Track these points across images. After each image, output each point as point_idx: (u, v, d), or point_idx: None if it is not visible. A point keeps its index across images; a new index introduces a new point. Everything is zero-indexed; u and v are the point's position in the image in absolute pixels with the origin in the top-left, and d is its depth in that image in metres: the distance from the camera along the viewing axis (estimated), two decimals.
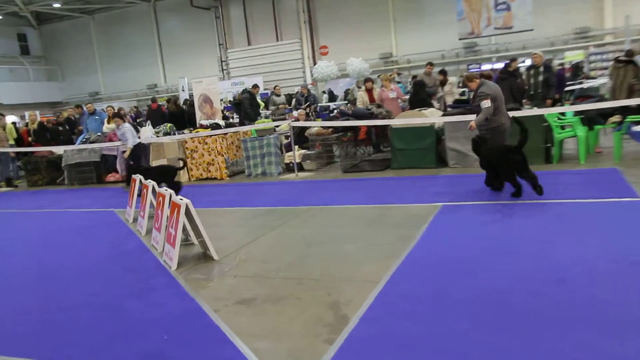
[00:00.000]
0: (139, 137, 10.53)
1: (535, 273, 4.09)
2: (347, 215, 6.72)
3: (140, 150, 10.28)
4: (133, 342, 3.65)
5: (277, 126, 11.38)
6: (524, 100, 10.08)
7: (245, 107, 13.19)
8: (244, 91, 14.17)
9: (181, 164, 9.18)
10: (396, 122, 9.32)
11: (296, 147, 10.32)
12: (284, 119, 12.52)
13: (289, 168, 10.48)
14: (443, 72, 12.67)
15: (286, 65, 27.12)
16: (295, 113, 13.17)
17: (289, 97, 17.23)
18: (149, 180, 6.77)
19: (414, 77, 14.77)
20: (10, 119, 16.56)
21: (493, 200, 6.52)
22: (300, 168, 10.28)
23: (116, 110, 12.97)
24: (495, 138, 7.04)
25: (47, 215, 8.99)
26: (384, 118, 9.84)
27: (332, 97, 21.31)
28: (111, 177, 11.89)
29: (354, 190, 8.24)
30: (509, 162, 6.38)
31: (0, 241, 7.37)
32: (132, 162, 9.84)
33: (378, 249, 5.13)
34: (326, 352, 3.21)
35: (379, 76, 14.89)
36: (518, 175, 6.34)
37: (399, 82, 16.03)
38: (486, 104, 7.01)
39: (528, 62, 16.16)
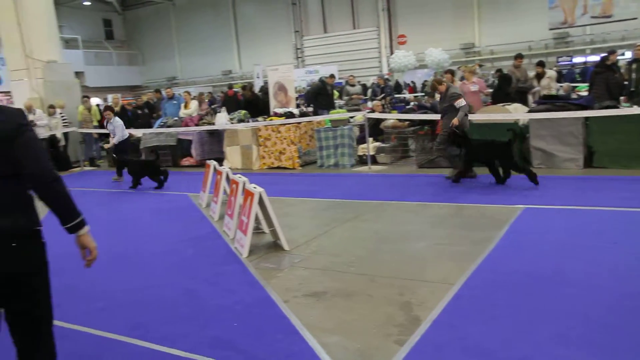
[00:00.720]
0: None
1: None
2: (421, 213, 6.62)
3: (127, 145, 11.02)
4: (205, 326, 3.79)
5: (351, 117, 11.38)
6: (621, 98, 9.48)
7: (318, 96, 13.27)
8: (320, 80, 14.25)
9: (154, 156, 9.91)
10: (476, 117, 9.04)
11: (370, 139, 10.27)
12: (358, 110, 12.48)
13: (362, 160, 10.46)
14: (541, 64, 11.99)
15: (362, 54, 27.01)
16: (370, 104, 13.10)
17: (364, 87, 17.15)
18: (223, 167, 6.99)
19: (498, 70, 14.22)
20: (94, 101, 17.61)
21: (581, 205, 6.21)
22: (374, 161, 10.23)
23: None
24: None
25: (125, 195, 9.49)
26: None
27: (398, 88, 21.03)
28: (186, 161, 12.37)
29: (429, 186, 8.10)
30: (511, 153, 7.43)
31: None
32: (115, 155, 10.81)
33: (453, 250, 5.02)
34: (396, 353, 3.18)
35: (459, 68, 14.52)
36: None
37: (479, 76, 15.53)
38: (462, 102, 7.95)
39: (628, 55, 15.13)
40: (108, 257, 5.66)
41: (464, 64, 20.55)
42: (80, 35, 28.04)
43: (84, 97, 14.97)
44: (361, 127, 10.92)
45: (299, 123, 11.05)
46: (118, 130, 10.65)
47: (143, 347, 3.52)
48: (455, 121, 7.82)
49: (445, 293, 3.97)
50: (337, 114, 11.28)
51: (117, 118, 10.95)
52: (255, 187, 5.20)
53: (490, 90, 11.84)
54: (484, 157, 7.70)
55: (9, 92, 19.24)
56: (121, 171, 10.51)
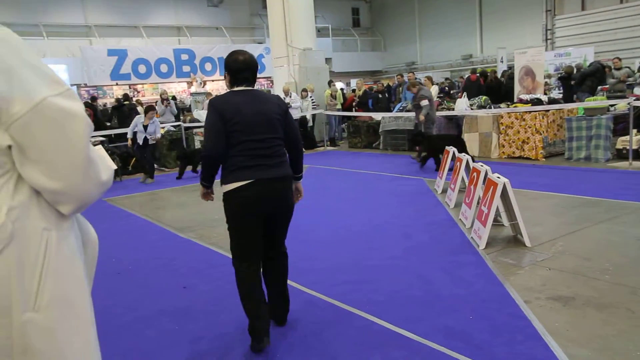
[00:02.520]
0: None
1: None
2: None
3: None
4: (439, 314, 3.74)
5: (612, 105, 10.03)
6: None
7: (587, 78, 12.00)
8: (598, 62, 12.86)
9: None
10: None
11: (634, 130, 8.93)
12: (622, 97, 10.93)
13: (620, 155, 9.18)
14: None
15: (627, 33, 23.49)
16: (638, 90, 11.36)
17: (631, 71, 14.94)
18: (463, 154, 6.81)
19: None
20: (338, 85, 18.87)
21: None
22: (637, 156, 8.88)
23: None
24: (428, 128, 10.31)
25: (364, 176, 9.96)
26: None
27: None
28: None
29: None
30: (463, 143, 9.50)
31: (328, 195, 8.49)
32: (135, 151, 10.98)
33: None
34: None
35: None
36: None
37: None
38: (425, 102, 10.16)
39: None
40: (349, 233, 6.05)
41: None
42: (330, 24, 30.18)
43: (330, 81, 16.10)
44: (622, 116, 9.56)
45: (547, 111, 10.16)
46: (158, 130, 10.86)
47: (377, 324, 3.64)
48: (421, 117, 10.17)
49: None
50: (595, 102, 10.05)
51: (156, 119, 10.97)
52: (499, 177, 4.93)
53: None
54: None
55: (269, 77, 21.77)
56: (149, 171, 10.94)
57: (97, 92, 19.64)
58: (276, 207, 3.45)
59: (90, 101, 14.74)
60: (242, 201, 3.27)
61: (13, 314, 1.35)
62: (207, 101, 11.43)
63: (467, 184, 6.41)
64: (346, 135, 15.52)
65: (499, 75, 15.32)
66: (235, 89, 3.38)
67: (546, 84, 14.43)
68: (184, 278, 4.90)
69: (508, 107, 10.94)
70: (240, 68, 3.34)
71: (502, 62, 18.79)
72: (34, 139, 1.32)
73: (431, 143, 9.63)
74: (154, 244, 6.22)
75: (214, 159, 3.32)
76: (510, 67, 15.01)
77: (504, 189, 4.91)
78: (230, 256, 3.48)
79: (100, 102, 17.61)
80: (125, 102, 14.11)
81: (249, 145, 3.26)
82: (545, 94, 11.86)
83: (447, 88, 16.78)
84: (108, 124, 14.34)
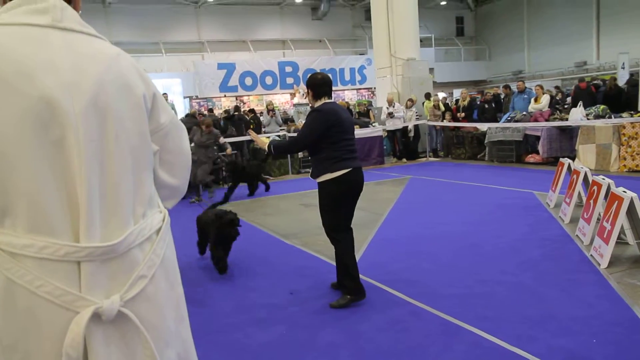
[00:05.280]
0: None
1: None
2: None
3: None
4: (555, 334, 3.52)
5: None
6: None
7: None
8: None
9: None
10: None
11: None
12: None
13: None
14: None
15: None
16: None
17: None
18: (581, 166, 6.39)
19: None
20: (440, 95, 18.49)
21: None
22: None
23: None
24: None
25: (469, 188, 9.65)
26: None
27: None
28: (531, 157, 11.85)
29: None
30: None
31: (434, 208, 8.33)
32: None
33: None
34: None
35: None
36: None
37: None
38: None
39: None
40: (456, 247, 5.87)
41: None
42: (433, 34, 29.73)
43: (427, 94, 15.74)
44: None
45: None
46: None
47: (488, 340, 3.50)
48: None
49: None
50: None
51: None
52: (625, 192, 4.57)
53: None
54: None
55: (370, 87, 21.83)
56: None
57: (207, 103, 20.80)
58: (360, 189, 4.33)
59: (207, 112, 15.58)
60: (349, 184, 4.20)
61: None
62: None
63: (585, 198, 6.00)
64: (446, 146, 15.13)
65: (620, 83, 14.22)
66: (324, 100, 4.28)
67: None
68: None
69: (632, 116, 10.12)
70: (320, 84, 4.29)
71: (623, 68, 17.47)
72: (168, 144, 1.61)
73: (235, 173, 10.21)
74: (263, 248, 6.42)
75: (301, 148, 4.66)
76: (633, 74, 13.90)
77: (631, 203, 4.53)
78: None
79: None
80: (236, 113, 14.79)
81: (347, 143, 4.24)
82: None
83: (557, 97, 15.84)
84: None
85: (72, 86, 1.34)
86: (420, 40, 17.18)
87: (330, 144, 4.15)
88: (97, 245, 1.35)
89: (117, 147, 1.41)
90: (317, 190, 4.32)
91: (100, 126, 1.38)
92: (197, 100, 20.87)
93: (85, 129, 1.34)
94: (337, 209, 4.27)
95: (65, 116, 1.32)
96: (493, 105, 14.23)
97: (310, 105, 4.48)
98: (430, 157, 14.94)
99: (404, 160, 14.48)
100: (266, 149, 4.42)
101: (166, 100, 10.21)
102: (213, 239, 5.35)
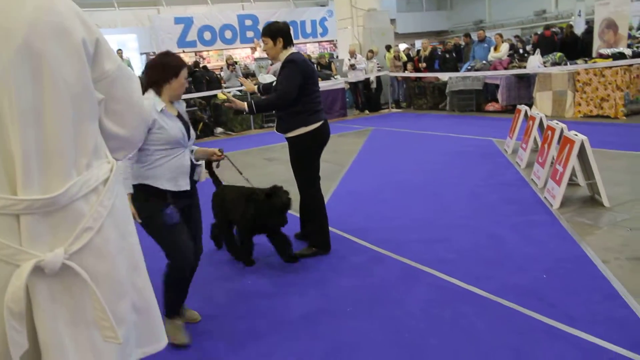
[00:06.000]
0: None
1: None
2: None
3: None
4: (510, 272, 3.70)
5: None
6: None
7: None
8: None
9: None
10: None
11: None
12: None
13: None
14: None
15: None
16: None
17: None
18: (536, 112, 6.54)
19: None
20: (402, 46, 18.41)
21: None
22: None
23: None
24: None
25: (430, 137, 9.78)
26: None
27: None
28: (491, 106, 12.02)
29: None
30: None
31: (395, 157, 8.43)
32: None
33: None
34: None
35: None
36: None
37: None
38: None
39: None
40: (417, 194, 6.00)
41: None
42: None
43: (388, 46, 15.65)
44: None
45: (630, 65, 9.53)
46: None
47: (447, 282, 3.64)
48: None
49: None
50: None
51: None
52: (576, 135, 4.72)
53: None
54: None
55: (331, 40, 21.57)
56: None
57: None
58: (327, 141, 4.27)
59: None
60: (323, 137, 4.17)
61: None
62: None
63: (540, 143, 6.18)
64: (409, 96, 15.20)
65: (577, 30, 14.42)
66: (291, 50, 4.10)
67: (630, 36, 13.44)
68: None
69: (586, 62, 10.34)
70: (288, 30, 4.12)
71: (579, 15, 17.70)
72: (115, 93, 1.53)
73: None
74: None
75: (287, 103, 4.01)
76: (589, 21, 14.10)
77: (582, 147, 4.70)
78: None
79: None
80: (196, 69, 14.46)
81: (317, 95, 4.16)
82: (628, 47, 11.07)
83: (518, 46, 15.99)
84: None
85: (0, 31, 1.27)
86: None
87: (304, 96, 4.01)
88: (36, 198, 1.31)
89: (54, 95, 1.34)
90: (282, 144, 4.15)
91: (35, 73, 1.31)
92: (154, 56, 20.24)
93: (15, 76, 1.28)
94: (313, 163, 4.22)
95: None
96: (454, 54, 14.29)
97: (271, 57, 4.26)
98: (392, 108, 15.00)
99: (367, 112, 14.50)
100: (246, 108, 4.01)
101: (121, 57, 9.87)
102: (249, 225, 4.10)
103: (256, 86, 4.53)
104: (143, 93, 2.51)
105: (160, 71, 2.95)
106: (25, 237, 1.31)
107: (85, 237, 1.39)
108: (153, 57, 3.14)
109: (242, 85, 14.23)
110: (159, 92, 2.95)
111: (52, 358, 1.34)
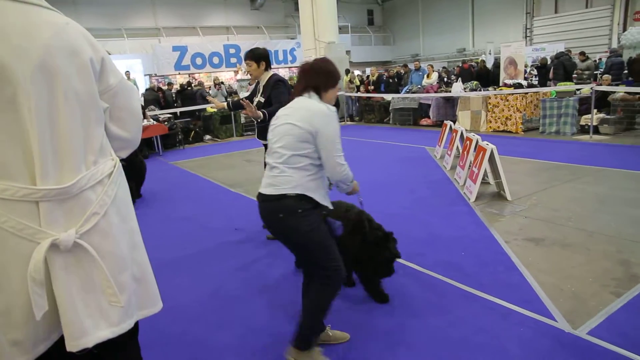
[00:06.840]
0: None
1: None
2: None
3: None
4: (437, 250, 3.85)
5: (578, 89, 9.78)
6: None
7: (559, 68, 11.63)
8: (560, 54, 12.47)
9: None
10: None
11: (595, 110, 8.72)
12: (587, 84, 10.62)
13: (583, 130, 9.00)
14: None
15: (591, 32, 22.49)
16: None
17: (594, 63, 14.40)
18: (458, 126, 6.78)
19: None
20: (355, 72, 18.56)
21: None
22: (596, 131, 8.71)
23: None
24: None
25: (377, 145, 9.95)
26: None
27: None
28: (424, 121, 12.30)
29: None
30: None
31: (349, 159, 8.54)
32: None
33: None
34: (612, 302, 2.81)
35: None
36: None
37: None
38: None
39: None
40: (368, 188, 6.08)
41: None
42: (349, 23, 29.49)
43: (347, 70, 15.79)
44: (585, 99, 9.34)
45: (526, 93, 9.97)
46: None
47: None
48: None
49: None
50: (565, 86, 9.82)
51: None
52: (487, 144, 4.96)
53: None
54: None
55: (298, 66, 21.52)
56: None
57: (164, 80, 19.77)
58: None
59: (164, 88, 14.86)
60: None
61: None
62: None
63: (460, 150, 6.42)
64: (361, 112, 15.36)
65: (488, 64, 14.90)
66: (271, 71, 4.04)
67: (526, 72, 14.01)
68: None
69: (495, 90, 10.76)
70: (268, 55, 4.03)
71: (490, 54, 18.27)
72: (118, 102, 1.50)
73: None
74: (213, 197, 6.42)
75: None
76: (497, 58, 14.60)
77: (492, 154, 4.93)
78: None
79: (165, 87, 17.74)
80: (188, 88, 14.28)
81: None
82: (525, 79, 11.56)
83: (444, 75, 16.39)
84: (175, 104, 14.49)
85: (21, 51, 1.24)
86: (339, 28, 17.03)
87: None
88: (52, 188, 1.30)
89: (66, 104, 1.32)
90: (259, 149, 4.00)
91: (49, 86, 1.29)
92: (156, 77, 19.76)
93: (34, 88, 1.26)
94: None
95: (14, 77, 1.23)
96: (396, 80, 14.53)
97: (253, 77, 4.07)
98: (347, 121, 15.14)
99: None
100: (261, 115, 3.78)
101: (128, 78, 9.54)
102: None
103: (225, 103, 4.37)
104: (304, 93, 2.36)
105: (324, 78, 2.38)
106: (44, 220, 1.30)
107: (93, 220, 1.38)
108: (310, 60, 2.48)
109: (224, 101, 14.20)
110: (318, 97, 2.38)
111: (67, 317, 1.34)
